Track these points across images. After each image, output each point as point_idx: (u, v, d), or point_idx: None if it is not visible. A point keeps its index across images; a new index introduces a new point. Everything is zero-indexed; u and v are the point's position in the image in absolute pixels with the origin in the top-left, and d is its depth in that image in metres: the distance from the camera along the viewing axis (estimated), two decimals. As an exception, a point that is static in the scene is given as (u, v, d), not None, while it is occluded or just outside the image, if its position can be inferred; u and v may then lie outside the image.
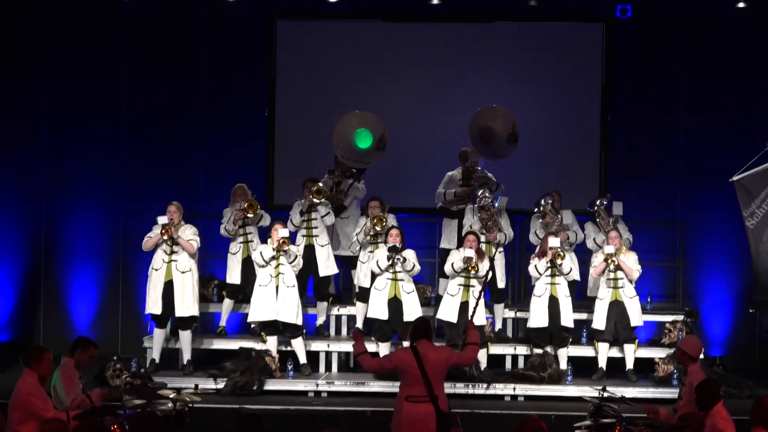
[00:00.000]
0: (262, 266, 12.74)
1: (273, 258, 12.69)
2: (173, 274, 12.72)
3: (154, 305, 12.72)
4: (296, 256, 12.78)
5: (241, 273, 13.33)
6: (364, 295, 13.28)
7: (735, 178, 13.47)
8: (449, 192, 13.76)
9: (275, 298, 12.68)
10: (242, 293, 13.44)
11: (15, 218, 14.38)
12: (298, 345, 12.84)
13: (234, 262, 13.36)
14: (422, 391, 8.87)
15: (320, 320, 13.57)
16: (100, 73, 15.17)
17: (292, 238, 12.91)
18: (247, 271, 13.30)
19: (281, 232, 12.64)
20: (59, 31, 15.17)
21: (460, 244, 13.68)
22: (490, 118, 13.72)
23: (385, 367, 9.17)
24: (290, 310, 12.70)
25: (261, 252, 12.71)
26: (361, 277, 13.35)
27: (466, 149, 13.84)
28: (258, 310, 12.76)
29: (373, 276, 13.06)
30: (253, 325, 13.37)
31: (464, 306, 12.65)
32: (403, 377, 8.97)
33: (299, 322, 12.79)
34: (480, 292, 11.30)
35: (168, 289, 12.71)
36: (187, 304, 12.74)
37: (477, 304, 10.20)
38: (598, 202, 13.58)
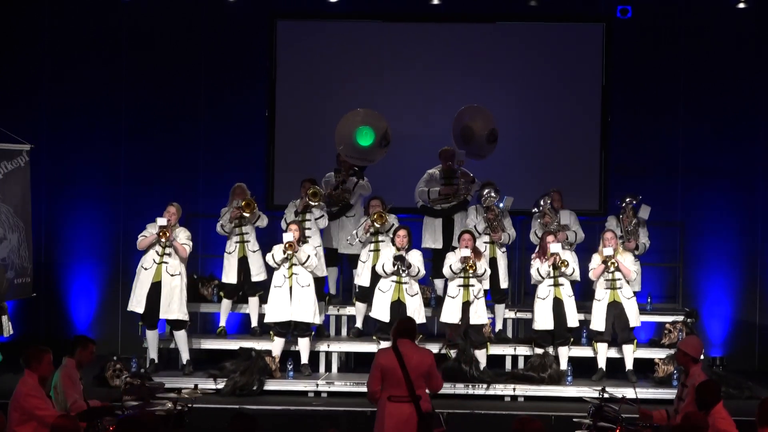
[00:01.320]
0: (275, 268, 12.74)
1: (284, 260, 12.68)
2: (162, 276, 12.71)
3: (137, 304, 12.73)
4: (308, 256, 12.74)
5: (237, 272, 13.34)
6: (364, 295, 13.27)
7: None
8: (433, 190, 13.75)
9: (289, 299, 12.67)
10: (239, 293, 13.45)
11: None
12: (303, 345, 12.81)
13: (230, 262, 13.36)
14: (404, 391, 8.84)
15: (319, 320, 13.54)
16: (100, 73, 15.18)
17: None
18: (244, 270, 13.32)
19: (285, 236, 12.63)
20: (59, 31, 15.18)
21: (446, 242, 13.70)
22: (471, 118, 13.76)
23: (378, 377, 9.05)
24: (306, 310, 12.67)
25: (273, 254, 12.71)
26: (362, 275, 13.34)
27: (448, 148, 13.84)
28: (273, 312, 12.76)
29: (374, 275, 13.07)
30: (254, 325, 13.38)
31: (465, 306, 12.64)
32: (384, 377, 8.94)
33: (317, 321, 12.81)
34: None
35: (155, 289, 12.70)
36: (173, 308, 12.71)
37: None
38: (627, 200, 13.56)
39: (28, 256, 13.88)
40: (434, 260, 13.87)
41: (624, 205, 13.55)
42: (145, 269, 12.74)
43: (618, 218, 13.61)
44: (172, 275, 12.72)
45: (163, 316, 12.72)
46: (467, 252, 12.53)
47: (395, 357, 8.89)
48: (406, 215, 14.28)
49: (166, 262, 12.72)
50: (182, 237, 12.78)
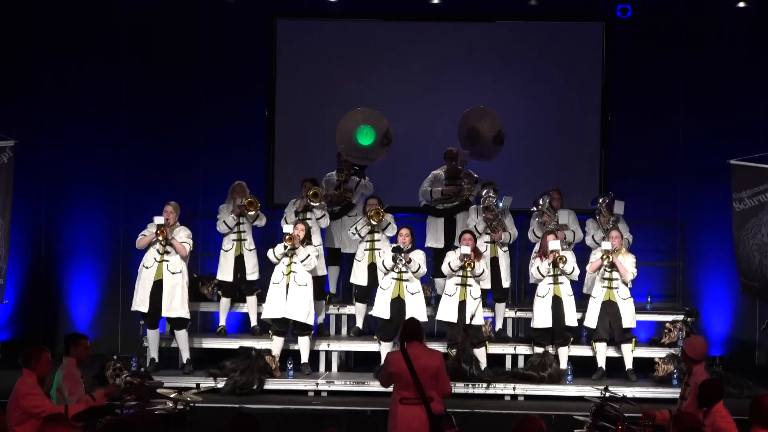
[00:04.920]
0: (275, 263, 12.74)
1: (284, 255, 12.67)
2: (163, 274, 12.71)
3: (141, 303, 12.73)
4: (308, 255, 12.74)
5: (233, 270, 13.34)
6: (363, 294, 13.27)
7: (733, 162, 13.59)
8: (436, 190, 13.76)
9: (285, 297, 12.66)
10: (236, 291, 13.45)
11: (15, 218, 14.34)
12: (303, 343, 12.80)
13: (226, 260, 13.37)
14: (415, 393, 8.87)
15: (319, 319, 13.56)
16: (100, 73, 15.17)
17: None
18: (239, 268, 13.33)
19: (287, 228, 12.66)
20: (59, 31, 15.17)
21: (448, 242, 13.70)
22: (477, 120, 13.78)
23: (387, 379, 9.14)
24: (300, 309, 12.64)
25: (274, 249, 12.71)
26: (357, 275, 13.34)
27: (452, 148, 13.85)
28: (269, 308, 12.75)
29: (370, 274, 13.06)
30: (253, 324, 13.38)
31: (462, 305, 12.64)
32: (396, 380, 8.97)
33: (310, 321, 12.74)
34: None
35: (157, 288, 12.70)
36: (174, 305, 12.71)
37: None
38: (600, 200, 13.60)
39: (4, 255, 13.69)
40: (435, 259, 13.88)
41: (598, 205, 13.57)
42: (146, 268, 12.75)
43: (596, 220, 13.61)
44: (173, 273, 12.72)
45: (165, 314, 12.71)
46: (467, 249, 12.53)
47: (404, 359, 8.92)
48: (406, 214, 14.29)
49: (166, 261, 12.72)
50: (182, 235, 12.78)
